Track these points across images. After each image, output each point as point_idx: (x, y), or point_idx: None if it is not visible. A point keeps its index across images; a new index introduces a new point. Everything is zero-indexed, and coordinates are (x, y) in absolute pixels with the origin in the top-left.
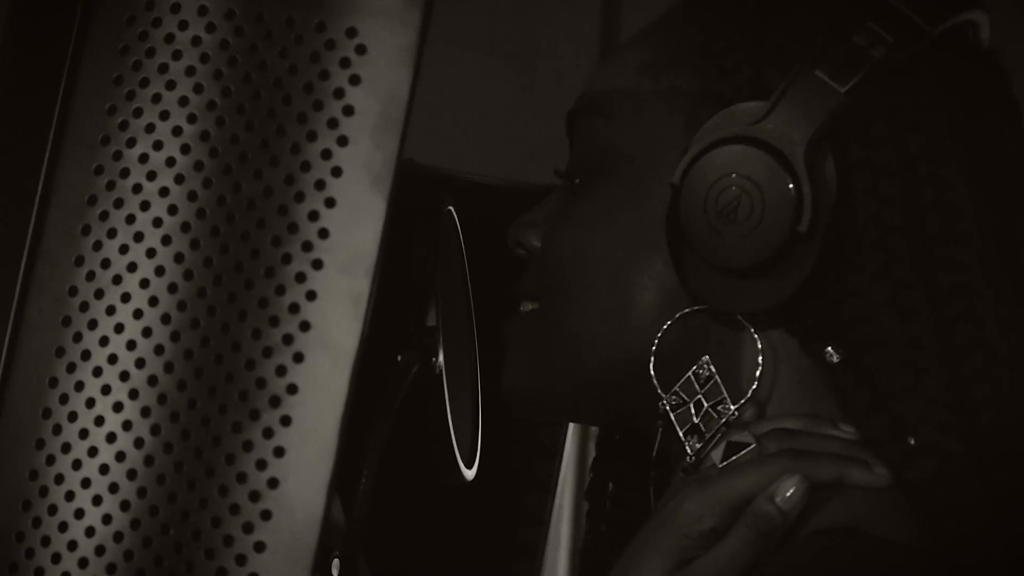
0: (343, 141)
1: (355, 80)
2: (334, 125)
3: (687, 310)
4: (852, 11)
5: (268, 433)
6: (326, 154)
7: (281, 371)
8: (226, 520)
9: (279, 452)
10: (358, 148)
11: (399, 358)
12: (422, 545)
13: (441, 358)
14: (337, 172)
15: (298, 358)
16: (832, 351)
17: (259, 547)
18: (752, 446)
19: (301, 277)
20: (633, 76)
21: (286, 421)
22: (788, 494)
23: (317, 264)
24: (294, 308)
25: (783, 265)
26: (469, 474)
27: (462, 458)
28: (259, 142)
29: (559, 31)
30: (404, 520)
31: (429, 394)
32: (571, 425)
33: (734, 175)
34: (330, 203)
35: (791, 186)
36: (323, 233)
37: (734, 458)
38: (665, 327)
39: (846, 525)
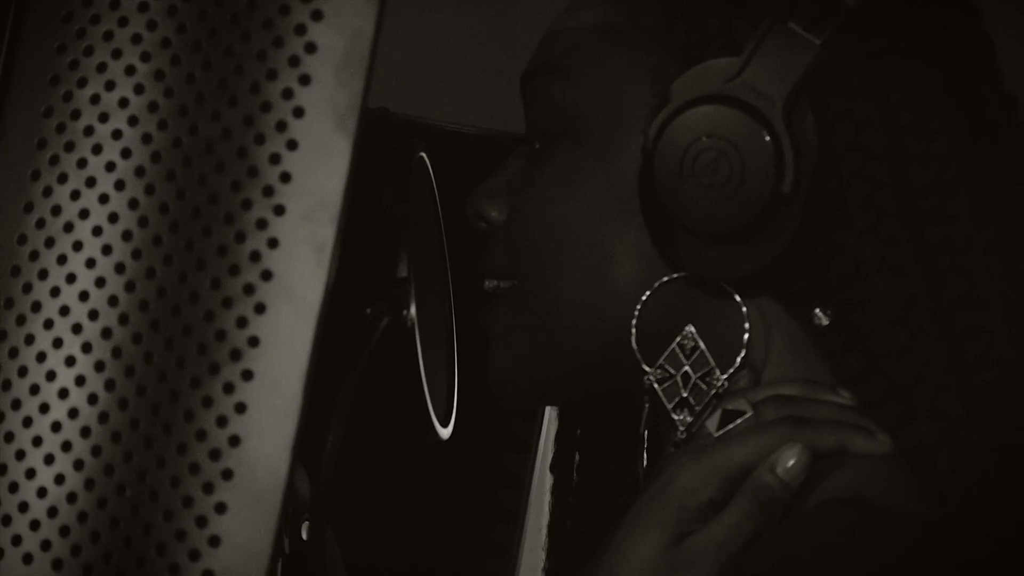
0: (305, 80)
1: (317, 15)
2: (295, 63)
3: (667, 278)
4: None
5: (229, 388)
6: (287, 93)
7: (242, 323)
8: (185, 480)
9: (240, 408)
10: (321, 87)
11: (368, 310)
12: (394, 509)
13: (413, 310)
14: (299, 112)
15: (259, 309)
16: (820, 313)
17: (220, 508)
18: (749, 414)
19: (262, 223)
20: (592, 34)
21: (247, 375)
22: (790, 464)
23: (279, 210)
24: (255, 256)
25: (766, 227)
26: (445, 433)
27: (437, 416)
28: (216, 81)
29: None
30: (375, 482)
31: (402, 349)
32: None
33: (710, 136)
34: (292, 145)
35: (771, 145)
36: (285, 177)
37: (730, 427)
38: (644, 297)
39: (850, 495)
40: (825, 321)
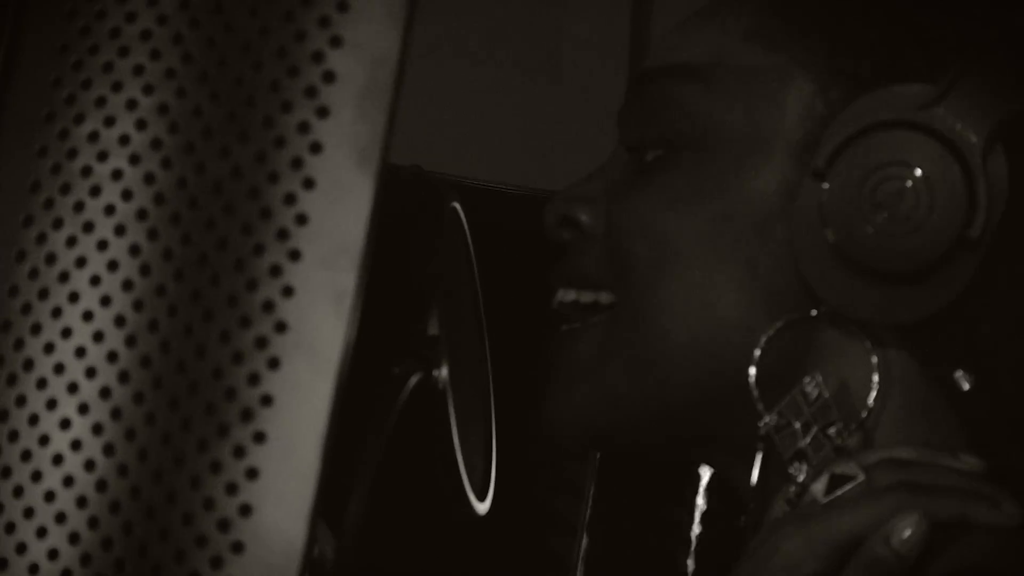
0: (323, 112)
1: (336, 42)
2: (312, 94)
3: (796, 316)
4: None
5: (239, 452)
6: (303, 127)
7: (254, 380)
8: (191, 554)
9: (252, 474)
10: (340, 120)
11: (395, 369)
12: None
13: (445, 371)
14: (316, 148)
15: (273, 364)
16: (963, 375)
17: None
18: (860, 479)
19: (276, 270)
20: (742, 41)
21: (260, 438)
22: (905, 535)
23: (294, 255)
24: (268, 306)
25: (942, 272)
26: (481, 508)
27: (473, 488)
28: (225, 115)
29: (583, 40)
30: (406, 559)
31: (433, 413)
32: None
33: (900, 164)
34: (308, 184)
35: (965, 184)
36: (301, 219)
37: (839, 492)
38: (771, 332)
39: (972, 570)
40: (966, 385)
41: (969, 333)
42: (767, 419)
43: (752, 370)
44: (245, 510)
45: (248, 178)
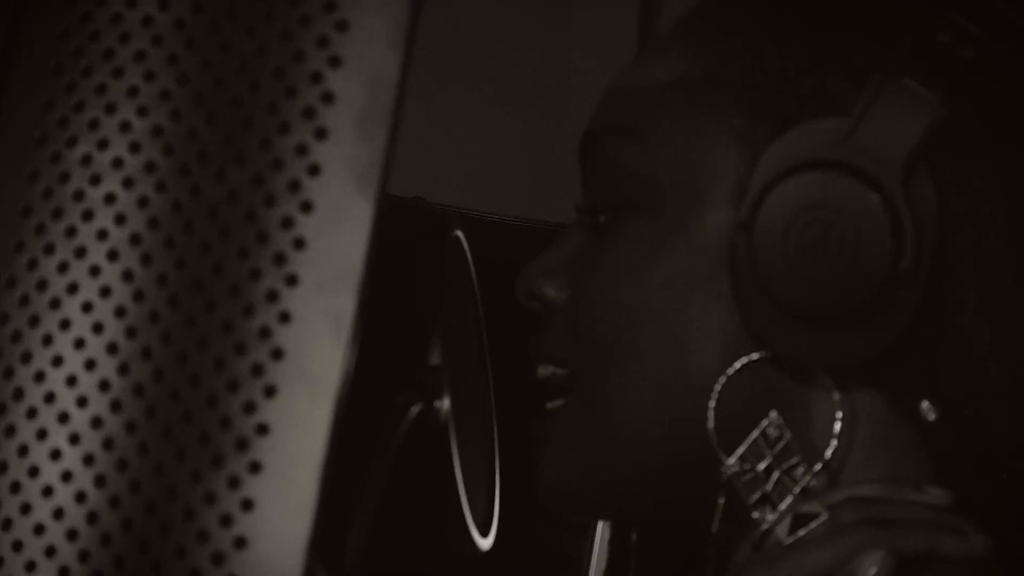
0: (321, 134)
1: (335, 62)
2: (311, 115)
3: (748, 359)
4: (929, 3)
5: (234, 483)
6: (301, 149)
7: (249, 408)
8: None
9: (247, 505)
10: (339, 142)
11: (396, 399)
12: None
13: (447, 402)
14: (314, 170)
15: (269, 392)
16: (929, 407)
17: None
18: (823, 518)
19: (272, 296)
20: (668, 91)
21: (255, 468)
22: (871, 572)
23: (291, 280)
24: (264, 333)
25: (880, 310)
26: (484, 544)
27: (476, 524)
28: (221, 137)
29: (590, 71)
30: None
31: (435, 445)
32: None
33: (819, 208)
34: (306, 207)
35: (889, 217)
36: (298, 243)
37: (803, 532)
38: (725, 377)
39: None
40: (932, 416)
41: (931, 363)
42: (727, 464)
43: (710, 415)
44: (240, 543)
45: (244, 201)
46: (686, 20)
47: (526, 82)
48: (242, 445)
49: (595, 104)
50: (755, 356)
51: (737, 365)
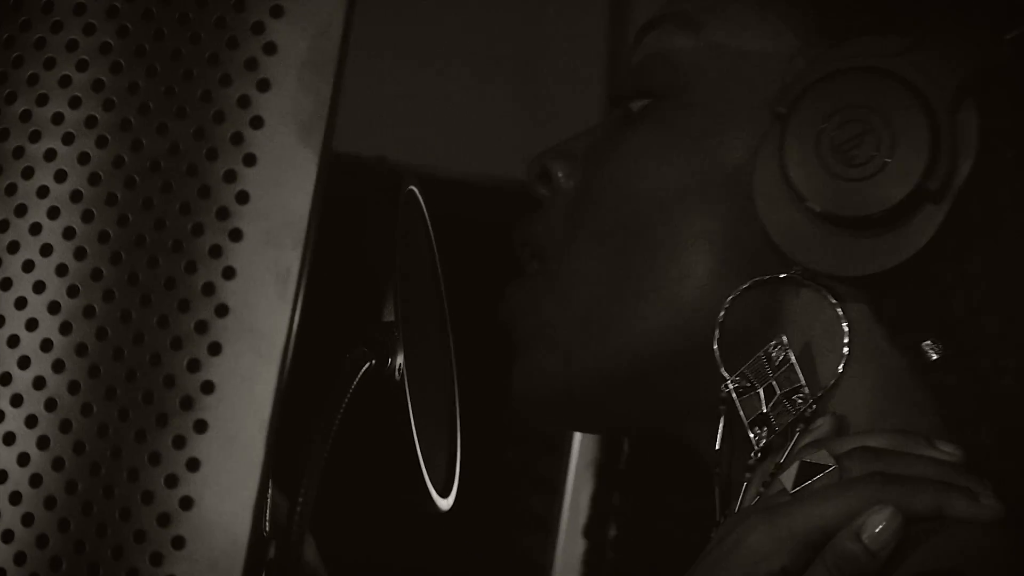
0: (264, 85)
1: (277, 11)
2: (252, 66)
3: (764, 277)
4: None
5: (179, 442)
6: (243, 101)
7: (194, 366)
8: (130, 550)
9: (193, 465)
10: (282, 93)
11: (346, 356)
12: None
13: (400, 359)
14: (257, 123)
15: (214, 350)
16: (931, 345)
17: None
18: (831, 468)
19: (216, 251)
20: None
21: (201, 427)
22: (877, 529)
23: (235, 235)
24: (208, 289)
25: (901, 224)
26: (444, 504)
27: (435, 484)
28: (162, 90)
29: (559, 31)
30: (365, 556)
31: (392, 404)
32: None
33: (861, 107)
34: (249, 160)
35: (928, 132)
36: (242, 197)
37: (809, 482)
38: (737, 292)
39: (949, 568)
40: (934, 355)
41: (941, 302)
42: (729, 381)
43: (716, 332)
44: (186, 503)
45: (186, 155)
46: None
47: (492, 42)
48: (187, 404)
49: (559, 62)
50: (768, 276)
51: (749, 282)
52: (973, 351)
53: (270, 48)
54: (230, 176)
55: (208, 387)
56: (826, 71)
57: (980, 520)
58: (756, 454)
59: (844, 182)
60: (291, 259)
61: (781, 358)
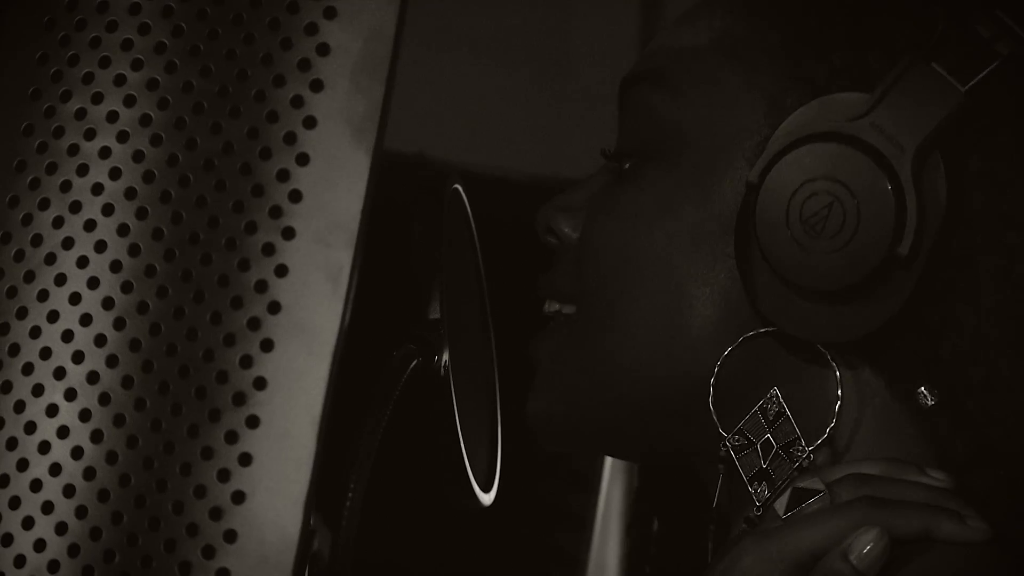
0: (317, 86)
1: (330, 13)
2: (306, 67)
3: (753, 332)
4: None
5: (231, 437)
6: (297, 101)
7: (246, 362)
8: (182, 543)
9: (245, 460)
10: (335, 94)
11: (394, 353)
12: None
13: (446, 356)
14: (310, 123)
15: (266, 346)
16: (926, 391)
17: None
18: (822, 493)
19: (269, 249)
20: (707, 48)
21: (253, 422)
22: (865, 550)
23: (288, 233)
24: (261, 286)
25: (875, 290)
26: (486, 499)
27: (477, 479)
28: (217, 90)
29: (593, 28)
30: (406, 550)
31: (436, 400)
32: None
33: (826, 179)
34: (303, 160)
35: (893, 198)
36: (295, 196)
37: (800, 507)
38: (728, 351)
39: None
40: (931, 401)
41: (932, 348)
42: (726, 440)
43: (711, 388)
44: (238, 497)
45: (240, 154)
46: None
47: (528, 38)
48: (239, 399)
49: (597, 59)
50: (758, 331)
51: (740, 339)
52: (964, 396)
53: (323, 49)
54: (283, 175)
55: (260, 383)
56: (791, 139)
57: (968, 541)
58: (757, 509)
59: (814, 254)
60: (343, 258)
61: (776, 412)
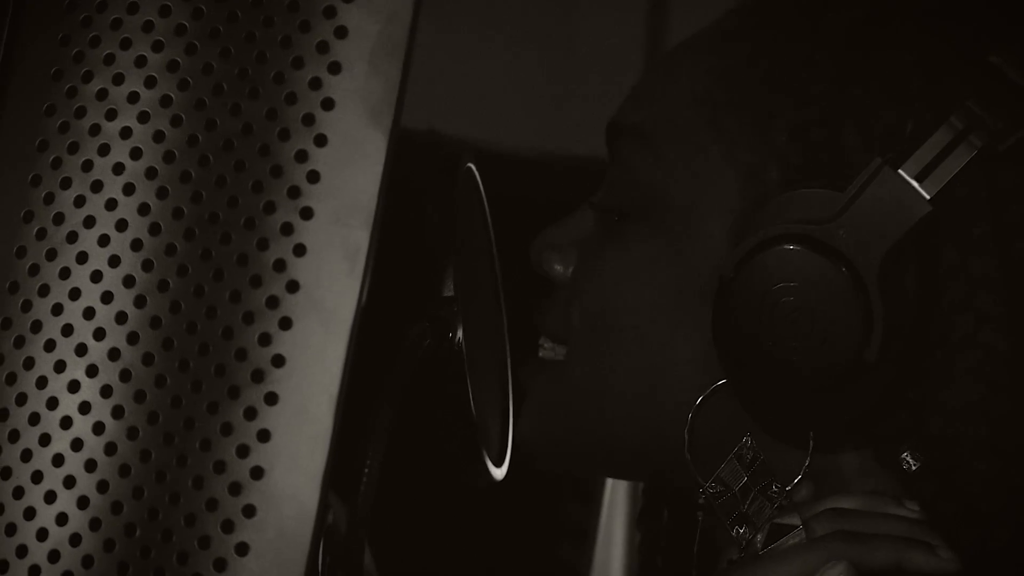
0: (335, 68)
1: None
2: (324, 49)
3: (722, 383)
4: (951, 79)
5: (250, 414)
6: (315, 83)
7: (265, 340)
8: (202, 517)
9: (264, 436)
10: (353, 76)
11: (409, 331)
12: (441, 555)
13: (460, 333)
14: (328, 104)
15: (285, 324)
16: (910, 459)
17: (241, 549)
18: (797, 529)
19: (287, 229)
20: (690, 108)
21: (271, 399)
22: None
23: (306, 213)
24: (279, 265)
25: (844, 388)
26: (498, 474)
27: (490, 454)
28: (236, 71)
29: (601, 10)
30: (420, 525)
31: (450, 376)
32: None
33: (795, 283)
34: (321, 141)
35: (860, 309)
36: (313, 176)
37: (777, 543)
38: (698, 402)
39: None
40: (914, 466)
41: (914, 423)
42: (703, 489)
43: (686, 438)
44: (257, 473)
45: (259, 135)
46: (725, 25)
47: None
48: (258, 377)
49: (607, 34)
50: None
51: (710, 389)
52: (948, 462)
53: (341, 32)
54: (301, 156)
55: (279, 360)
56: (762, 238)
57: (937, 573)
58: (741, 553)
59: (783, 354)
60: (360, 238)
61: (751, 456)
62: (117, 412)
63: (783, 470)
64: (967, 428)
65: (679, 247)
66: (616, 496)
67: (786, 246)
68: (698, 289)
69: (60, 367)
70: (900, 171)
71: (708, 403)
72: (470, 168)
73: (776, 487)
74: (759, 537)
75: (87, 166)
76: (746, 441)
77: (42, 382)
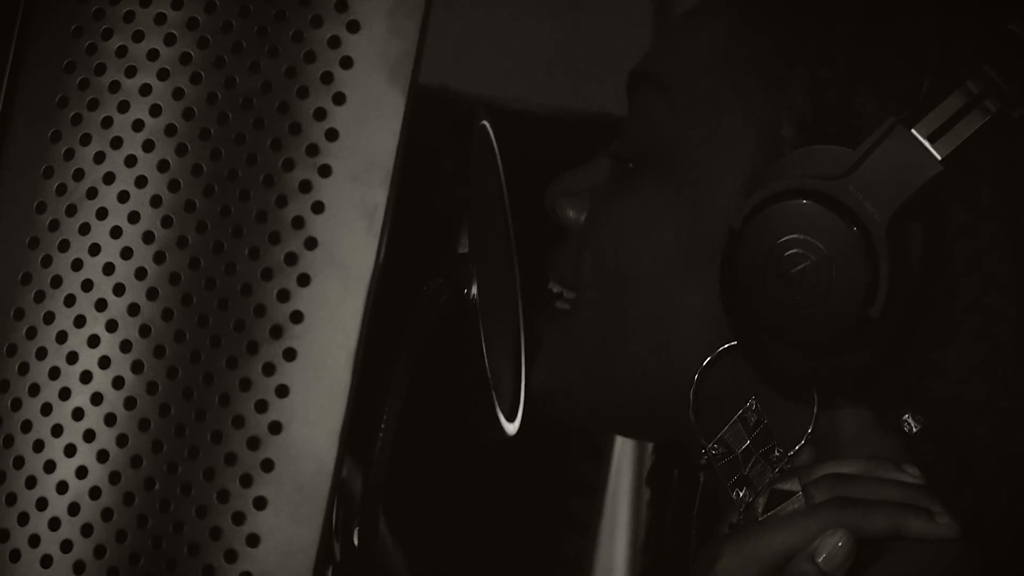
0: (353, 26)
1: None
2: (343, 7)
3: (730, 345)
4: (968, 45)
5: (269, 369)
6: (334, 41)
7: (283, 296)
8: (221, 472)
9: (282, 391)
10: (371, 34)
11: (425, 288)
12: (454, 510)
13: (475, 289)
14: (347, 63)
15: (303, 281)
16: (911, 420)
17: (260, 503)
18: (797, 494)
19: (306, 186)
20: (711, 63)
21: (290, 355)
22: (830, 552)
23: (324, 171)
24: (298, 222)
25: (850, 343)
26: (511, 428)
27: (503, 409)
28: (255, 29)
29: None
30: (435, 480)
31: (463, 333)
32: None
33: (804, 237)
34: (339, 99)
35: (866, 265)
36: (331, 134)
37: (777, 509)
38: (704, 363)
39: None
40: (915, 428)
41: (916, 384)
42: (707, 450)
43: (691, 398)
44: (275, 427)
45: (278, 93)
46: None
47: None
48: (276, 332)
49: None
50: (733, 344)
51: (719, 350)
52: (948, 423)
53: None
54: (320, 114)
55: (297, 316)
56: (773, 191)
57: (936, 538)
58: (740, 515)
59: (790, 307)
60: (378, 196)
61: (755, 419)
62: (136, 367)
63: (786, 434)
64: (968, 390)
65: (692, 199)
66: (623, 455)
67: (795, 200)
68: (709, 243)
69: (80, 322)
70: (913, 131)
71: (715, 365)
72: (484, 126)
73: (778, 451)
74: (759, 501)
75: (107, 122)
76: (750, 404)
77: (62, 336)
